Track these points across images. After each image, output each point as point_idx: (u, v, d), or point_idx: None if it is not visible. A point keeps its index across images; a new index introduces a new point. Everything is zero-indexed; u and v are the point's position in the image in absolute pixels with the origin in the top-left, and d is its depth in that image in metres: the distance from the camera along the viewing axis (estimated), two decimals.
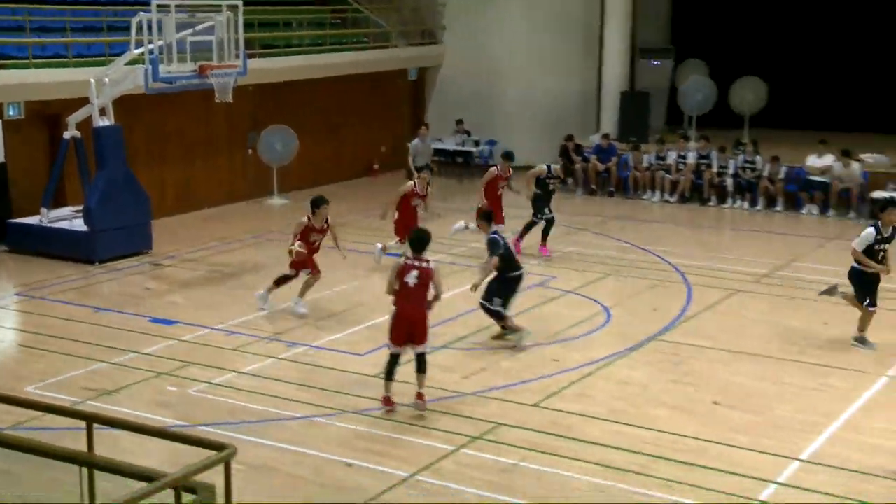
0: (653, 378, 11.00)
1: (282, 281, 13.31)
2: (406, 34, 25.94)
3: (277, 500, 8.14)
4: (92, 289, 14.74)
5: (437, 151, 24.10)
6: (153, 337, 12.29)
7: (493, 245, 11.92)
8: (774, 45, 25.28)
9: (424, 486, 8.36)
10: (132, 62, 15.87)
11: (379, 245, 15.69)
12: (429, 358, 10.13)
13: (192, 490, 5.75)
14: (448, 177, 23.74)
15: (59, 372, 11.04)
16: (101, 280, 15.18)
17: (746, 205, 20.83)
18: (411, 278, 9.81)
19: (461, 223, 16.58)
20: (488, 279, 12.04)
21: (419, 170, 18.02)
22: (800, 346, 12.06)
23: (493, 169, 16.75)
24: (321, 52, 22.72)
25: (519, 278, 12.08)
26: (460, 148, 24.49)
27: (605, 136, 23.12)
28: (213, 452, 5.64)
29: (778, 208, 20.56)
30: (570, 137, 22.76)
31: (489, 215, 12.68)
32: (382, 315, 13.02)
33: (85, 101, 15.92)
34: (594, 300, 13.94)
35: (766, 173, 20.74)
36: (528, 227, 16.49)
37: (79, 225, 16.20)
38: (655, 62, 25.73)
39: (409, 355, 10.10)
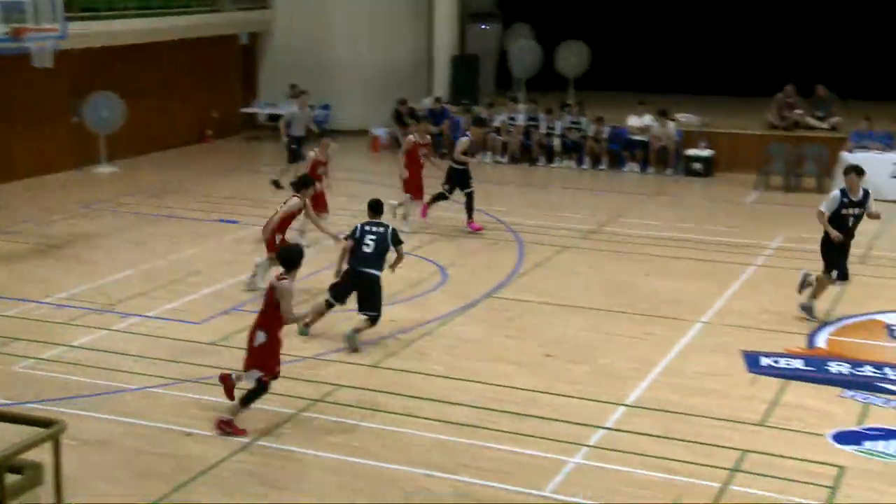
0: (488, 334, 11.37)
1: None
2: None
3: (113, 473, 8.04)
4: None
5: (272, 117, 23.82)
6: None
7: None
8: (596, 10, 26.13)
9: (267, 452, 8.42)
10: None
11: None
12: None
13: (17, 470, 5.57)
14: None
15: None
16: None
17: (573, 164, 21.58)
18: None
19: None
20: None
21: (297, 140, 18.03)
22: (624, 298, 12.67)
23: (409, 137, 16.54)
24: (146, 17, 22.00)
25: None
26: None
27: (437, 99, 23.42)
28: (42, 430, 5.50)
29: (602, 167, 21.40)
30: (402, 101, 22.93)
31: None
32: (217, 283, 13.01)
33: None
34: (430, 261, 14.21)
35: (590, 133, 21.52)
36: (436, 197, 16.06)
37: None
38: (484, 26, 26.18)
39: None
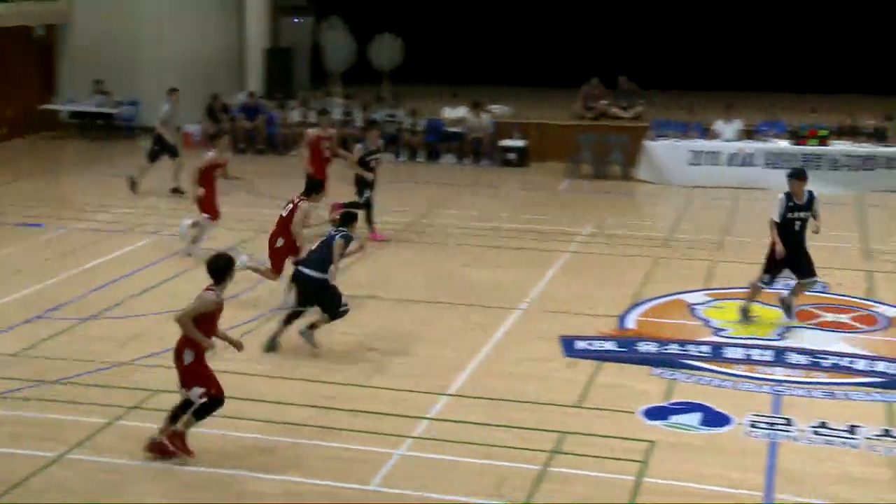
0: (317, 331, 11.27)
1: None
2: None
3: None
4: None
5: (74, 114, 22.85)
6: None
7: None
8: (409, 3, 26.33)
9: (83, 465, 8.10)
10: None
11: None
12: (80, 330, 9.70)
13: None
14: (90, 139, 22.62)
15: None
16: None
17: (390, 157, 21.69)
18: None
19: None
20: None
21: (160, 139, 17.24)
22: (445, 289, 12.88)
23: (310, 131, 16.02)
24: None
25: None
26: (100, 110, 23.35)
27: (251, 94, 23.06)
28: None
29: (420, 159, 21.64)
30: (215, 96, 22.45)
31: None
32: (25, 289, 12.39)
33: None
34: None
35: (407, 126, 21.71)
36: (368, 212, 14.95)
37: None
38: (297, 19, 25.92)
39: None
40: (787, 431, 8.83)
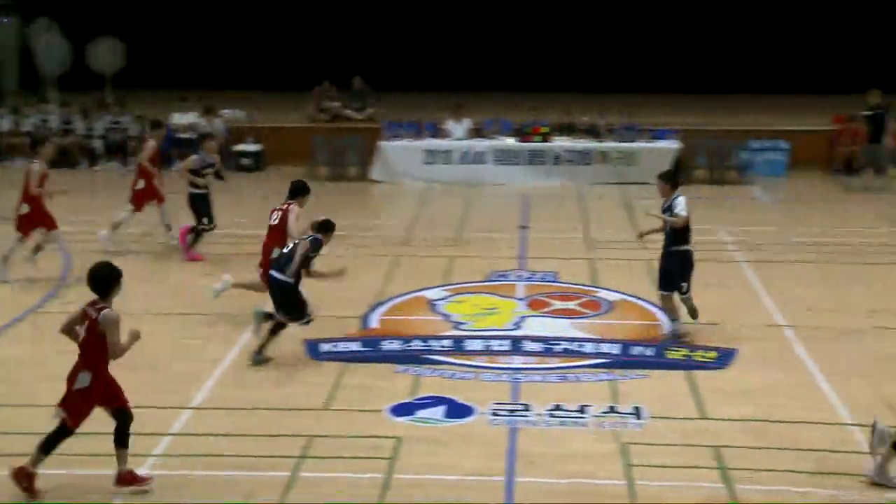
0: (37, 353, 10.62)
1: None
2: None
3: None
4: None
5: None
6: None
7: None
8: (128, 4, 25.33)
9: None
10: None
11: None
12: None
13: None
14: None
15: None
16: None
17: (118, 165, 20.80)
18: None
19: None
20: None
21: None
22: (187, 300, 12.53)
23: (151, 143, 14.89)
24: None
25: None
26: None
27: None
28: None
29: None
30: None
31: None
32: None
33: None
34: None
35: (134, 133, 20.88)
36: (197, 234, 14.38)
37: None
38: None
39: None
40: (526, 417, 9.25)
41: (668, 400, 9.67)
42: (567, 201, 18.53)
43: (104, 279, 7.65)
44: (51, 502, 7.65)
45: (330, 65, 23.65)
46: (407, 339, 11.25)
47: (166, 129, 17.16)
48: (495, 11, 26.77)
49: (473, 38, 26.47)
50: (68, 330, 7.78)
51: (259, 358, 10.43)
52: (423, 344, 11.14)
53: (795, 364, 10.60)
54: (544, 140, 20.42)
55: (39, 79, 23.10)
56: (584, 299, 12.79)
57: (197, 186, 14.40)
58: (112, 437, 7.81)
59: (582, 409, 9.37)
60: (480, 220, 17.23)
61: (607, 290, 13.11)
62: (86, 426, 7.78)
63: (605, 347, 11.06)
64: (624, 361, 10.64)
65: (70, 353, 10.47)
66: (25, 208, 13.10)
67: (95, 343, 7.58)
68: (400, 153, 20.49)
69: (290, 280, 10.32)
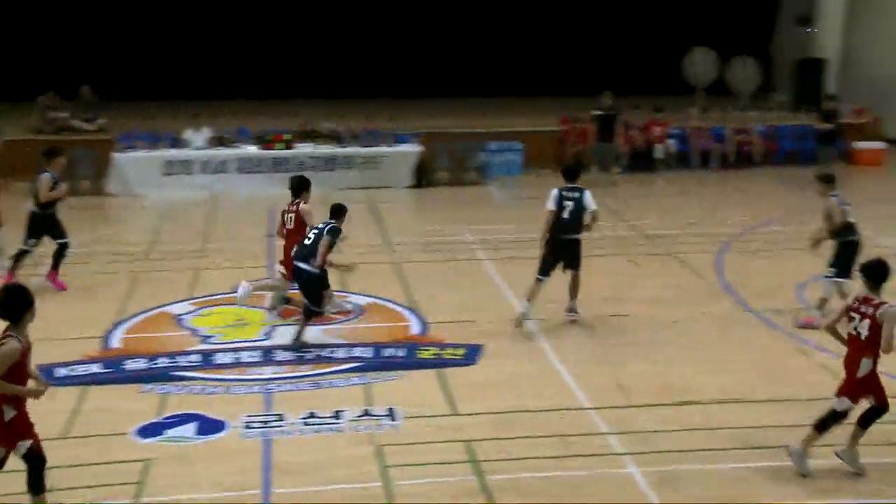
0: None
1: None
2: None
3: None
4: None
5: None
6: None
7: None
8: None
9: None
10: None
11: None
12: None
13: None
14: None
15: None
16: None
17: None
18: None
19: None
20: None
21: None
22: None
23: None
24: None
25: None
26: None
27: None
28: None
29: None
30: None
31: None
32: None
33: None
34: None
35: None
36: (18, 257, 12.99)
37: None
38: None
39: None
40: (280, 427, 9.11)
41: (421, 399, 9.82)
42: (314, 208, 18.41)
43: (14, 305, 6.97)
44: None
45: (53, 74, 22.35)
46: (152, 357, 10.79)
47: None
48: (227, 18, 26.28)
49: (207, 46, 25.85)
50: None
51: (298, 343, 11.02)
52: (169, 360, 10.73)
53: (539, 355, 11.06)
54: (287, 147, 20.25)
55: None
56: None
57: (45, 207, 13.22)
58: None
59: (337, 415, 9.34)
60: (226, 231, 16.84)
61: (357, 294, 13.15)
62: None
63: (357, 351, 11.08)
64: (376, 364, 10.71)
65: None
66: None
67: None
68: (136, 165, 19.69)
69: (317, 270, 10.92)
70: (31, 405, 7.28)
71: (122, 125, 21.00)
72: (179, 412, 9.38)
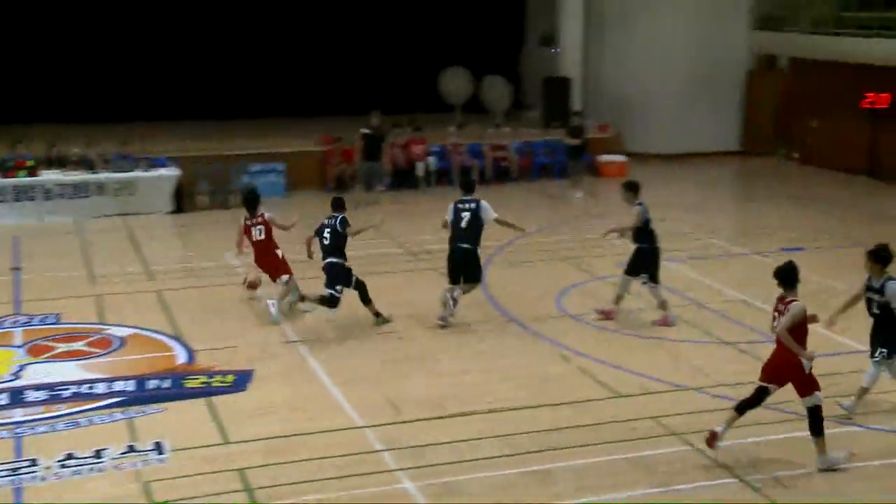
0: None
1: None
2: None
3: None
4: None
5: None
6: None
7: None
8: None
9: None
10: None
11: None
12: None
13: None
14: None
15: None
16: None
17: None
18: None
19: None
20: None
21: None
22: None
23: None
24: None
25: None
26: None
27: None
28: None
29: None
30: None
31: None
32: None
33: None
34: None
35: None
36: None
37: None
38: None
39: None
40: (34, 472, 8.51)
41: (190, 430, 9.47)
42: (64, 237, 17.46)
43: None
44: None
45: None
46: None
47: None
48: None
49: None
50: None
51: (380, 319, 12.45)
52: None
53: (310, 376, 10.94)
54: (31, 174, 19.04)
55: None
56: (92, 338, 12.09)
57: None
58: None
59: (98, 454, 8.84)
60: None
61: (117, 325, 12.53)
62: None
63: (118, 385, 10.54)
64: (140, 397, 10.23)
65: None
66: None
67: None
68: None
69: (344, 261, 12.28)
70: None
71: None
72: None
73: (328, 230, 12.32)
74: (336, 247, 12.24)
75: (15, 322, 12.59)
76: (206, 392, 10.41)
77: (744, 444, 9.06)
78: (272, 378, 10.84)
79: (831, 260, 15.60)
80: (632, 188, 12.54)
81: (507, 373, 11.01)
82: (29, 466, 8.61)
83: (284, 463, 8.73)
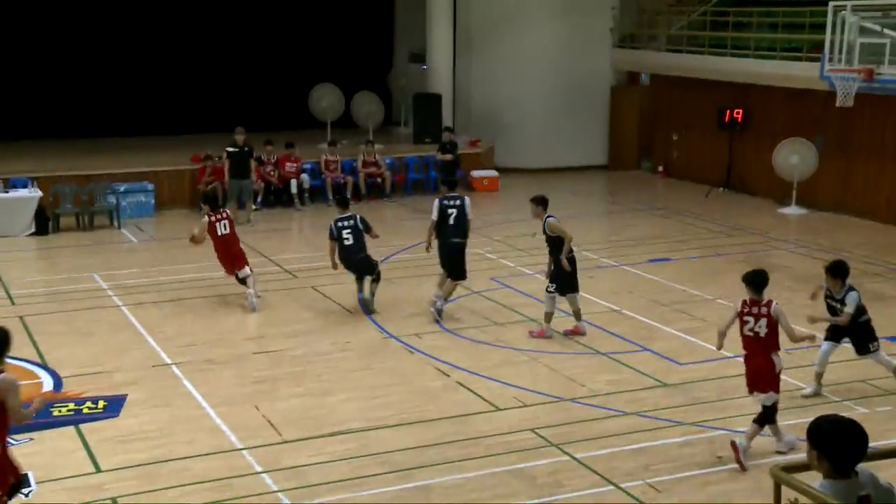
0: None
1: None
2: None
3: None
4: None
5: None
6: None
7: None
8: None
9: None
10: None
11: None
12: None
13: None
14: None
15: None
16: None
17: None
18: None
19: None
20: None
21: None
22: None
23: None
24: None
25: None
26: None
27: None
28: None
29: None
30: None
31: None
32: None
33: None
34: None
35: None
36: None
37: None
38: None
39: None
40: None
41: (59, 460, 9.15)
42: None
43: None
44: None
45: None
46: None
47: None
48: None
49: None
50: None
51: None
52: None
53: (186, 399, 10.70)
54: None
55: None
56: None
57: None
58: None
59: None
60: None
61: None
62: None
63: None
64: None
65: None
66: None
67: None
68: None
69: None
70: None
71: None
72: None
73: (348, 230, 13.40)
74: (362, 241, 13.54)
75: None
76: (76, 420, 10.07)
77: (624, 452, 9.31)
78: (146, 402, 10.57)
79: (696, 269, 16.20)
80: (541, 202, 12.64)
81: (387, 389, 11.01)
82: None
83: (160, 489, 8.51)
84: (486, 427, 9.93)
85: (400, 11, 29.67)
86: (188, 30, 26.55)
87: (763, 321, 9.03)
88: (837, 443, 4.50)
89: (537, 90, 25.78)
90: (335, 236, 13.48)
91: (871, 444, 4.55)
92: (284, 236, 19.55)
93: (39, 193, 19.19)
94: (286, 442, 9.59)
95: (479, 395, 10.78)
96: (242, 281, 13.99)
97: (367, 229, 13.67)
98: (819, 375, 10.71)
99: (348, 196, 17.59)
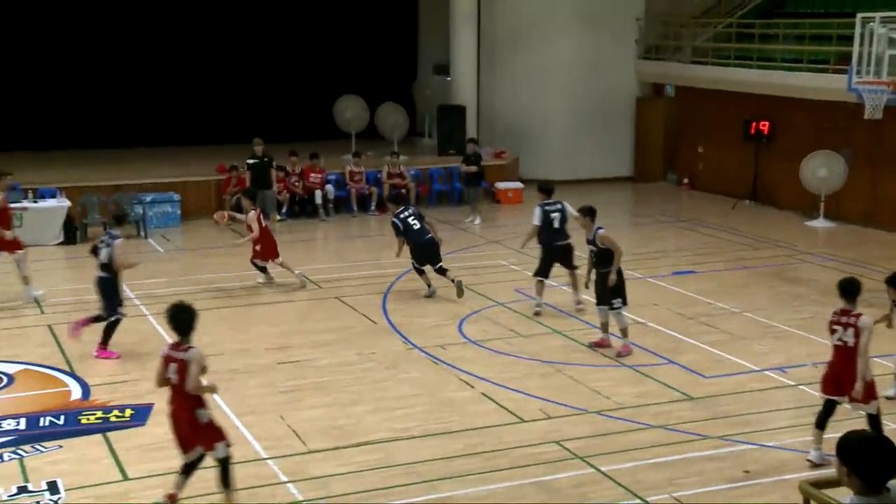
0: None
1: None
2: None
3: None
4: None
5: None
6: None
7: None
8: None
9: None
10: None
11: None
12: None
13: None
14: None
15: None
16: None
17: None
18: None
19: None
20: None
21: None
22: None
23: None
24: None
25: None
26: None
27: None
28: None
29: None
30: None
31: None
32: None
33: None
34: None
35: None
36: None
37: None
38: None
39: None
40: None
41: (87, 468, 9.21)
42: None
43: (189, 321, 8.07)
44: None
45: None
46: None
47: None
48: None
49: None
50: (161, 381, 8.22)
51: (460, 285, 14.70)
52: None
53: (212, 408, 10.72)
54: None
55: None
56: None
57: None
58: None
59: None
60: None
61: (5, 361, 12.11)
62: None
63: (5, 424, 10.17)
64: (32, 435, 9.90)
65: None
66: None
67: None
68: None
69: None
70: None
71: None
72: None
73: (412, 217, 14.88)
74: (425, 227, 14.87)
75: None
76: (103, 428, 10.14)
77: (649, 465, 9.27)
78: None
79: (722, 281, 16.12)
80: (589, 213, 12.59)
81: (412, 401, 11.02)
82: None
83: (186, 498, 8.55)
84: (511, 439, 9.92)
85: (424, 23, 29.76)
86: (215, 42, 26.75)
87: (850, 331, 8.95)
88: (868, 459, 4.47)
89: (562, 102, 25.78)
90: (401, 229, 14.72)
91: None
92: (309, 246, 19.63)
93: (68, 203, 19.37)
94: (311, 452, 9.61)
95: (503, 407, 10.77)
96: (282, 265, 15.53)
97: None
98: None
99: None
